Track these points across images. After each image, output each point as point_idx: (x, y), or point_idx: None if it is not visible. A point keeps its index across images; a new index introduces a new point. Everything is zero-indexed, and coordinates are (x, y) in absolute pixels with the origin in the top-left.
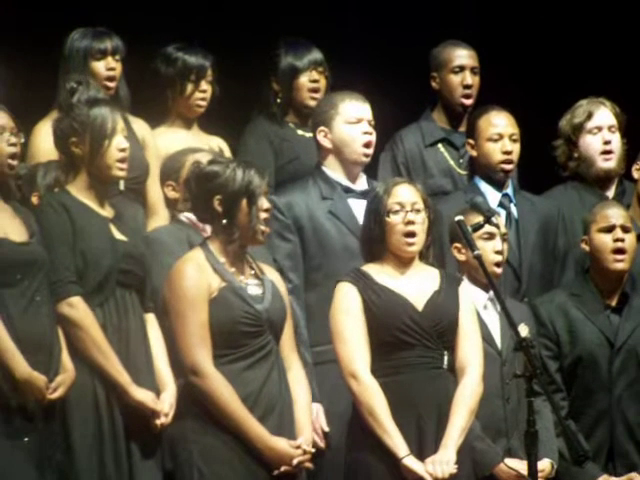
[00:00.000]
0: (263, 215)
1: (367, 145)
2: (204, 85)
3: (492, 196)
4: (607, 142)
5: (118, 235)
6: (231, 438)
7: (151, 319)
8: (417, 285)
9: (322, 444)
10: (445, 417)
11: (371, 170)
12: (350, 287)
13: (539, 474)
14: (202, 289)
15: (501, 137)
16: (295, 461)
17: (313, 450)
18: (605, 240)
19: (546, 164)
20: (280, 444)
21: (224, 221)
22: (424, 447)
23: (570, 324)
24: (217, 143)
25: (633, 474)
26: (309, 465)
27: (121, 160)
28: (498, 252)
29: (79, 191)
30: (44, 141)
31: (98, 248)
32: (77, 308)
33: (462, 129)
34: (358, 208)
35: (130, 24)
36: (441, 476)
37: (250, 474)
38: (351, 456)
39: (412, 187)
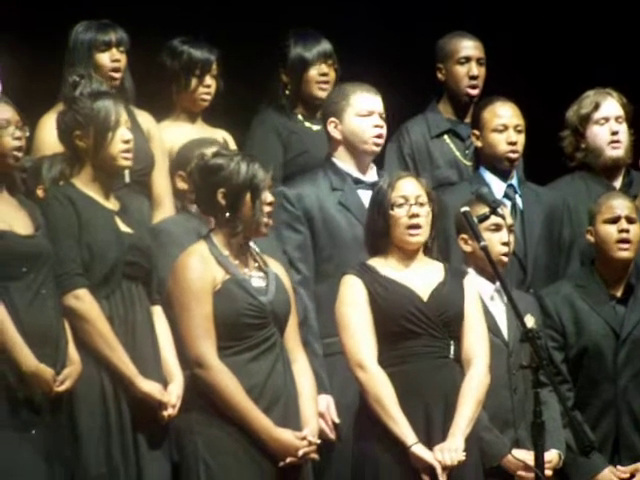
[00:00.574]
0: (267, 209)
1: (377, 137)
2: (208, 80)
3: (497, 187)
4: (614, 133)
5: (124, 227)
6: (236, 430)
7: (158, 311)
8: (422, 277)
9: (332, 436)
10: (452, 406)
11: (377, 161)
12: (355, 279)
13: (547, 465)
14: (206, 281)
15: (506, 128)
16: (300, 452)
17: (319, 441)
18: (610, 231)
19: (552, 155)
20: (285, 435)
21: (227, 214)
22: (432, 436)
23: (576, 315)
24: (222, 136)
25: (638, 464)
26: (315, 456)
27: (126, 151)
28: (505, 243)
29: (84, 184)
30: (49, 134)
31: (104, 241)
32: (83, 300)
33: (468, 120)
34: (368, 199)
35: (135, 16)
36: (450, 463)
37: (255, 465)
38: (359, 446)
39: (416, 181)
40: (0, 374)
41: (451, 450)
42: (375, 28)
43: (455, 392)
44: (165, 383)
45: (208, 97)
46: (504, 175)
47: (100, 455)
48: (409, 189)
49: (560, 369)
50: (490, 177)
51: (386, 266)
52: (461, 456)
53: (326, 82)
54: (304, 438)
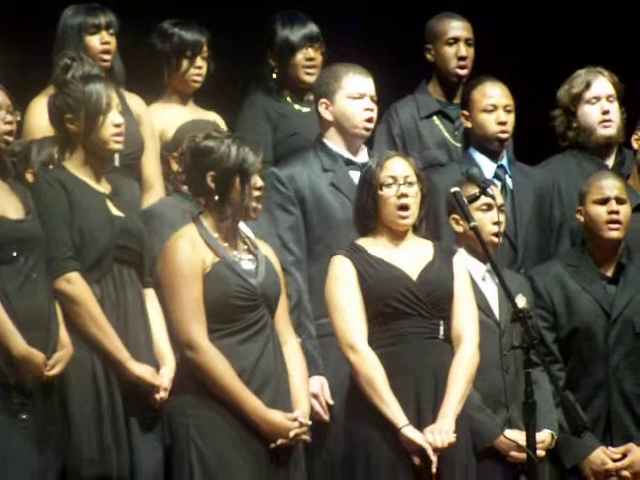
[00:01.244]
0: (256, 193)
1: (368, 121)
2: (199, 61)
3: (487, 167)
4: (606, 112)
5: (115, 211)
6: (227, 412)
7: (150, 294)
8: (411, 256)
9: (326, 417)
10: (442, 386)
11: (367, 142)
12: (344, 260)
13: (539, 445)
14: (196, 264)
15: (495, 108)
16: (292, 433)
17: (310, 422)
18: (599, 212)
19: (543, 135)
20: (276, 417)
21: (216, 197)
22: (422, 416)
23: (566, 295)
24: (213, 118)
25: (630, 445)
26: (306, 437)
27: (117, 134)
28: (496, 223)
29: (75, 167)
30: (39, 117)
31: (95, 224)
32: (75, 284)
33: (457, 101)
34: None
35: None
36: (440, 445)
37: (247, 447)
38: (349, 427)
39: (405, 160)
40: None
41: (442, 432)
42: (364, 9)
43: (445, 372)
44: (157, 366)
45: (199, 78)
46: (494, 155)
47: (92, 439)
48: (398, 169)
49: (551, 349)
50: (480, 157)
51: (375, 246)
52: (452, 437)
53: (313, 66)
54: (295, 419)
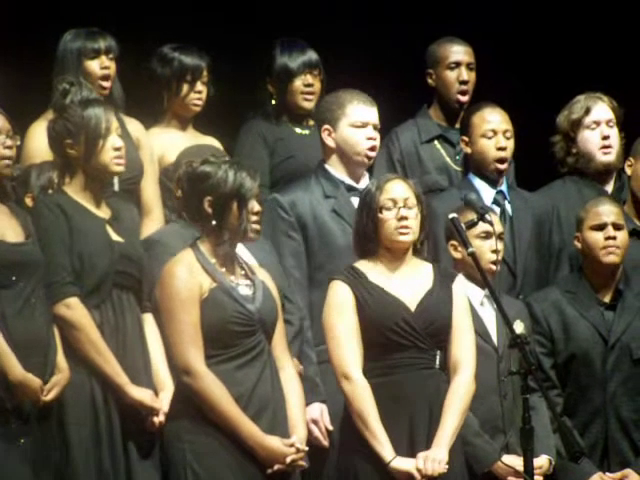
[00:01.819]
0: (253, 218)
1: (370, 149)
2: (199, 86)
3: (486, 193)
4: (605, 137)
5: (115, 236)
6: (224, 437)
7: (149, 319)
8: (410, 283)
9: (326, 443)
10: (437, 418)
11: (368, 167)
12: (343, 286)
13: (537, 470)
14: (193, 289)
15: (495, 133)
16: (288, 459)
17: (306, 448)
18: (597, 238)
19: (543, 160)
20: (273, 442)
21: (214, 222)
22: (416, 447)
23: (564, 321)
24: (212, 143)
25: (627, 470)
26: (303, 463)
27: (117, 157)
28: (494, 251)
29: (75, 192)
30: (38, 142)
31: (95, 249)
32: (74, 309)
33: (458, 126)
34: None
35: (125, 24)
36: (431, 473)
37: (244, 473)
38: (342, 457)
39: (404, 183)
40: None
41: (434, 461)
42: (366, 34)
43: (440, 402)
44: (155, 391)
45: (199, 102)
46: (493, 181)
47: (90, 464)
48: (398, 192)
49: (549, 375)
50: (479, 183)
51: (375, 271)
52: (443, 468)
53: (311, 93)
54: (292, 445)
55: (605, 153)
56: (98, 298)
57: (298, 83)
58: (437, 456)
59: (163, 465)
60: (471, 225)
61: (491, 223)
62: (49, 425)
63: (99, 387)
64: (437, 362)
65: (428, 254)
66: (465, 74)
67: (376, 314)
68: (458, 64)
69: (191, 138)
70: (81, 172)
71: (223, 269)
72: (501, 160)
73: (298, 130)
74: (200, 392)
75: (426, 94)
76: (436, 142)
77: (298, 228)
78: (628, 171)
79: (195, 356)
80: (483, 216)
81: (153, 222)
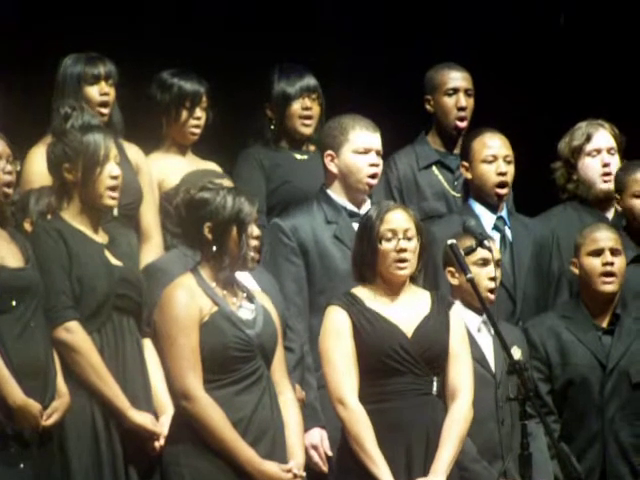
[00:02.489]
0: (253, 242)
1: (372, 177)
2: (198, 112)
3: (487, 219)
4: (606, 164)
5: (113, 260)
6: (223, 462)
7: (148, 344)
8: (407, 310)
9: (325, 468)
10: (434, 444)
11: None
12: (340, 311)
13: None
14: (193, 314)
15: (495, 159)
16: None
17: (304, 474)
18: (594, 264)
19: (543, 186)
20: (271, 468)
21: (214, 248)
22: (413, 474)
23: (561, 346)
24: (212, 168)
25: None
26: None
27: (112, 188)
28: (492, 278)
29: (73, 217)
30: (37, 166)
31: (94, 274)
32: (74, 333)
33: (457, 151)
34: None
35: (124, 50)
36: None
37: None
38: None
39: (405, 213)
40: None
41: None
42: (364, 59)
43: (437, 429)
44: (156, 415)
45: (198, 130)
46: (494, 207)
47: None
48: (398, 222)
49: (546, 401)
50: (480, 209)
51: (372, 297)
52: None
53: (309, 117)
54: (289, 470)
55: (606, 181)
56: (98, 322)
57: (296, 107)
58: None
59: None
60: (470, 251)
61: (490, 249)
62: (50, 450)
63: (100, 411)
64: (434, 389)
65: (427, 280)
66: (463, 100)
67: (373, 339)
68: (456, 90)
69: (191, 163)
70: (78, 197)
71: (224, 293)
72: (501, 185)
73: (297, 156)
74: (198, 417)
75: (424, 120)
76: (434, 168)
77: (300, 253)
78: (618, 207)
79: (194, 381)
80: (482, 242)
81: (152, 248)
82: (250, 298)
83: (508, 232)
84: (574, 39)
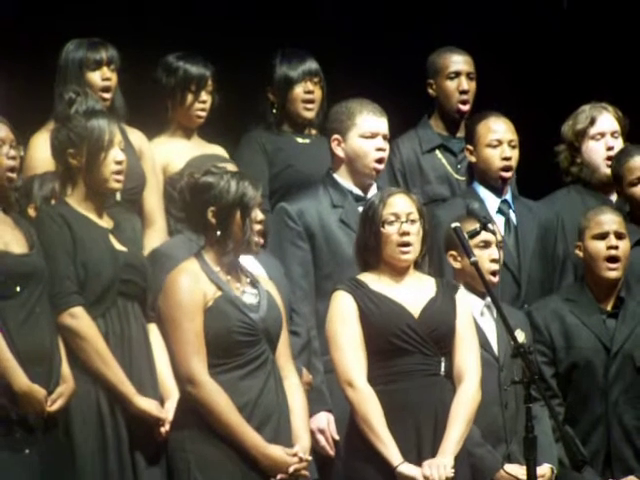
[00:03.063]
0: (257, 227)
1: (379, 161)
2: (204, 95)
3: (491, 202)
4: (610, 148)
5: (118, 245)
6: (228, 447)
7: (153, 329)
8: (413, 293)
9: (332, 452)
10: (442, 424)
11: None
12: (346, 295)
13: (540, 479)
14: (197, 298)
15: (500, 143)
16: (291, 469)
17: (310, 458)
18: (599, 247)
19: (547, 169)
20: (276, 452)
21: (218, 233)
22: (422, 455)
23: (565, 330)
24: (218, 152)
25: (631, 477)
26: (306, 473)
27: (117, 172)
28: (494, 260)
29: (77, 202)
30: (41, 152)
31: (99, 259)
32: (79, 318)
33: (460, 135)
34: None
35: (128, 33)
36: (437, 479)
37: None
38: (348, 463)
39: (407, 197)
40: None
41: (440, 466)
42: (367, 43)
43: (446, 410)
44: (161, 400)
45: (204, 113)
46: (498, 190)
47: (97, 473)
48: (400, 206)
49: (550, 384)
50: (484, 192)
51: (377, 281)
52: (450, 473)
53: (311, 101)
54: (295, 454)
55: (609, 165)
56: (103, 307)
57: (298, 90)
58: (442, 462)
59: (169, 474)
60: (474, 234)
61: (494, 232)
62: (55, 435)
63: (105, 396)
64: (442, 369)
65: (432, 264)
66: (465, 84)
67: (380, 321)
68: (458, 74)
69: (196, 147)
70: (82, 183)
71: (228, 277)
72: (506, 169)
73: (299, 139)
74: (203, 401)
75: (427, 104)
76: (437, 152)
77: (306, 237)
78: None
79: (198, 365)
80: (486, 225)
81: (156, 232)
82: (254, 283)
83: (513, 215)
84: (577, 21)
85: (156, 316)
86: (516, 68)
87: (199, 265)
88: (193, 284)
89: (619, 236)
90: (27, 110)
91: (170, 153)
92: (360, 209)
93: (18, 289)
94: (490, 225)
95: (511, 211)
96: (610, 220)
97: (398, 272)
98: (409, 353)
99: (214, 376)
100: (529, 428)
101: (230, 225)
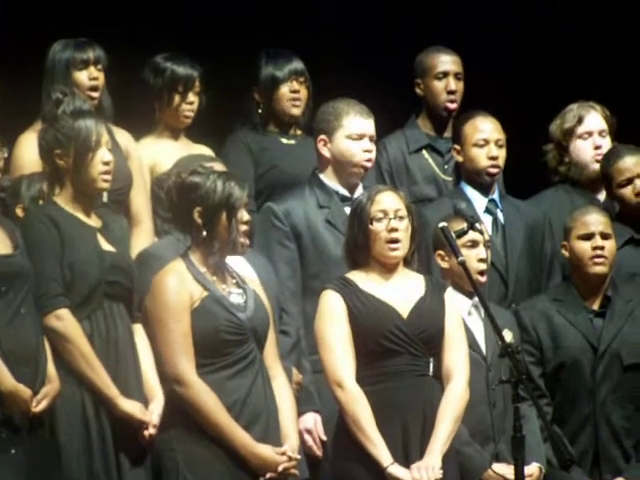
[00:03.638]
0: (243, 227)
1: (366, 162)
2: (191, 97)
3: (478, 202)
4: (598, 147)
5: (105, 246)
6: (216, 446)
7: (139, 329)
8: (402, 292)
9: (319, 452)
10: (430, 424)
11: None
12: (335, 295)
13: (528, 479)
14: (184, 299)
15: (487, 142)
16: (280, 468)
17: (299, 457)
18: (584, 247)
19: (535, 169)
20: (265, 451)
21: (204, 233)
22: (410, 454)
23: (553, 329)
24: (205, 152)
25: (619, 478)
26: (295, 472)
27: (105, 172)
28: (482, 260)
29: (66, 202)
30: (28, 152)
31: (86, 259)
32: (65, 320)
33: (447, 135)
34: None
35: (115, 34)
36: None
37: None
38: (336, 464)
39: (395, 194)
40: None
41: (428, 468)
42: (353, 44)
43: (434, 410)
44: (146, 402)
45: (191, 114)
46: (485, 190)
47: (82, 474)
48: (388, 203)
49: (538, 384)
50: (471, 192)
51: (366, 280)
52: (438, 474)
53: (298, 99)
54: (284, 453)
55: (598, 162)
56: (89, 308)
57: (285, 90)
58: (430, 463)
59: (155, 474)
60: (461, 234)
61: (481, 232)
62: (40, 435)
63: (90, 398)
64: (430, 369)
65: (420, 263)
66: (453, 84)
67: (369, 321)
68: (446, 74)
69: (183, 147)
70: (70, 183)
71: (214, 278)
72: (493, 167)
73: (284, 140)
74: (191, 401)
75: (414, 104)
76: (424, 152)
77: (292, 237)
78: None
79: (186, 366)
80: (473, 225)
81: (143, 233)
82: (240, 284)
83: (500, 215)
84: (565, 20)
85: (143, 316)
86: (504, 67)
87: (185, 265)
88: (179, 284)
89: (605, 236)
90: (13, 110)
91: (157, 154)
92: (346, 209)
93: (3, 289)
94: (477, 225)
95: (498, 210)
96: (596, 220)
97: (387, 269)
98: (398, 354)
99: (202, 376)
100: (517, 428)
101: (216, 225)
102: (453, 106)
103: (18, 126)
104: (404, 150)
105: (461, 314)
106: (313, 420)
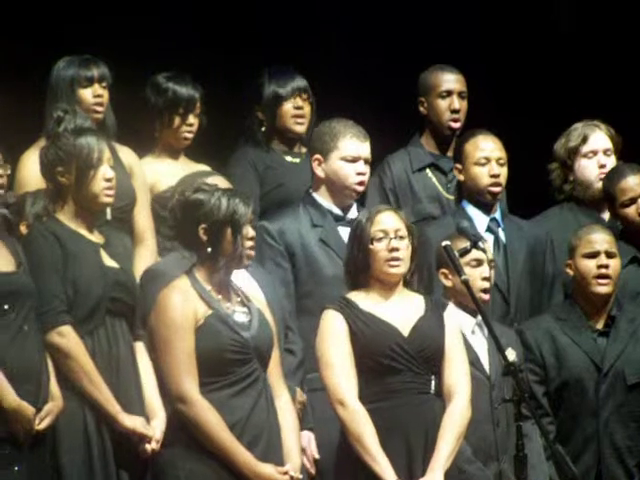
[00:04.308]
0: (248, 243)
1: (359, 184)
2: (191, 119)
3: (480, 220)
4: (603, 166)
5: (108, 262)
6: (219, 464)
7: (140, 347)
8: (402, 311)
9: (313, 471)
10: (433, 442)
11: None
12: (336, 314)
13: None
14: (188, 317)
15: (488, 161)
16: None
17: (300, 476)
18: (589, 266)
19: (539, 187)
20: (267, 470)
21: (209, 250)
22: (413, 472)
23: (557, 348)
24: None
25: None
26: None
27: (107, 189)
28: (485, 279)
29: (68, 219)
30: (31, 169)
31: (89, 276)
32: (67, 337)
33: (450, 154)
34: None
35: (118, 51)
36: None
37: None
38: None
39: (395, 214)
40: None
41: None
42: (356, 62)
43: (436, 428)
44: (147, 419)
45: (190, 135)
46: (487, 209)
47: None
48: (388, 223)
49: (541, 403)
50: (473, 211)
51: (367, 300)
52: None
53: (301, 116)
54: (286, 473)
55: (602, 181)
56: (91, 325)
57: (288, 107)
58: None
59: None
60: (464, 253)
61: (484, 251)
62: (42, 453)
63: (91, 414)
64: (432, 387)
65: (421, 282)
66: (457, 103)
67: (370, 340)
68: (450, 92)
69: (183, 166)
70: (72, 200)
71: (219, 296)
72: (494, 186)
73: (288, 158)
74: (194, 420)
75: (418, 122)
76: (428, 170)
77: (287, 256)
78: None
79: (190, 384)
80: (476, 243)
81: (146, 250)
82: (246, 301)
83: (502, 234)
84: (570, 40)
85: (147, 334)
86: (508, 86)
87: (190, 283)
88: (183, 302)
89: (610, 255)
90: (18, 128)
91: (157, 173)
92: (340, 229)
93: (6, 307)
94: (480, 243)
95: (500, 229)
96: (601, 239)
97: (387, 289)
98: (399, 371)
99: (205, 394)
100: (520, 446)
101: (221, 242)
102: (457, 125)
103: (22, 143)
104: (408, 169)
105: (462, 332)
106: (307, 438)
